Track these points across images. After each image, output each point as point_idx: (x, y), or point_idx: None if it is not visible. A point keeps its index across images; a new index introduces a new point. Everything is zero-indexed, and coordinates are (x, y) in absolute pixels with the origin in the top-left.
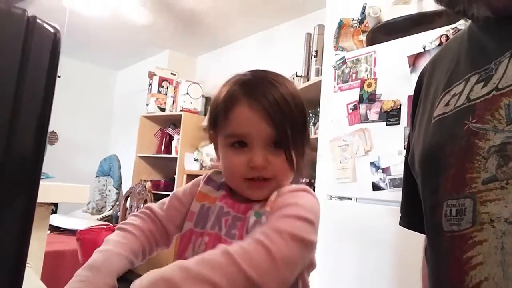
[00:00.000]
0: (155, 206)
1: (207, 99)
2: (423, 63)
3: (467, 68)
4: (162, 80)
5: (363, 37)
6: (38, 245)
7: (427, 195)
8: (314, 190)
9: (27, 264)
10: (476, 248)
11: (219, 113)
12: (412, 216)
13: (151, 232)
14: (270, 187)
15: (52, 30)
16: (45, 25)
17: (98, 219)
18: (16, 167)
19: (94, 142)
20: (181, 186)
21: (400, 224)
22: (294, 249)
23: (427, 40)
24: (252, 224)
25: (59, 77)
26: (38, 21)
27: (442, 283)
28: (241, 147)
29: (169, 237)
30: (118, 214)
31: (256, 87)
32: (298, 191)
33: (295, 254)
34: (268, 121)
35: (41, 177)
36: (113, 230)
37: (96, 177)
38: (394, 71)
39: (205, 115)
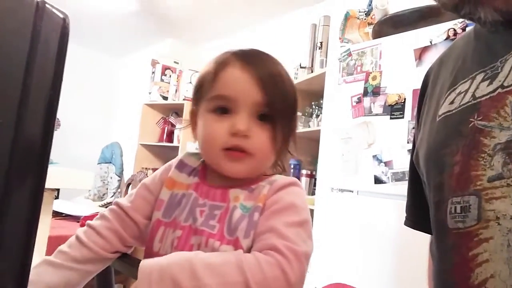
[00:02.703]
0: (122, 199)
1: None
2: (429, 57)
3: (473, 67)
4: (165, 68)
5: (369, 29)
6: (42, 229)
7: (431, 192)
8: (315, 182)
9: None
10: (482, 245)
11: (205, 79)
12: (417, 216)
13: (114, 230)
14: (249, 163)
15: (61, 15)
16: (54, 10)
17: (99, 206)
18: (25, 152)
19: (96, 129)
20: None
21: (405, 224)
22: (305, 268)
23: (434, 34)
24: (238, 218)
25: None
26: (48, 6)
27: (448, 280)
28: (223, 114)
29: (139, 229)
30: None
31: (250, 54)
32: (290, 185)
33: (305, 272)
34: (259, 87)
35: None
36: None
37: (98, 164)
38: (400, 64)
39: None
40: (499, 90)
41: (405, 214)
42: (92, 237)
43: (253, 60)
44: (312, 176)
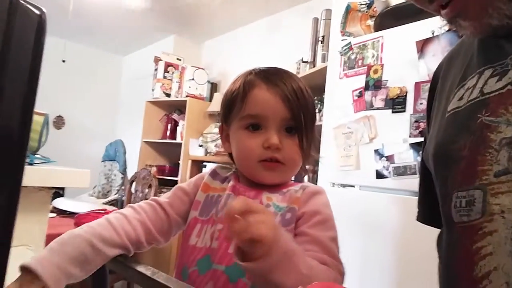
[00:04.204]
0: (160, 197)
1: (213, 85)
2: (431, 49)
3: (480, 62)
4: (167, 65)
5: (371, 22)
6: (40, 228)
7: (438, 187)
8: (317, 177)
9: (27, 247)
10: (486, 238)
11: (234, 99)
12: (428, 211)
13: (143, 223)
14: (283, 170)
15: (37, 12)
16: (29, 6)
17: (103, 203)
18: (0, 150)
19: (100, 127)
20: (185, 171)
21: (417, 219)
22: None
23: (437, 25)
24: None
25: (63, 61)
26: (22, 2)
27: (451, 274)
28: (255, 130)
29: (170, 224)
30: (123, 198)
31: (273, 74)
32: (322, 193)
33: None
34: (285, 104)
35: (42, 161)
36: None
37: (102, 161)
38: (402, 57)
39: (210, 100)
40: (509, 87)
41: (409, 209)
42: (121, 222)
43: (276, 80)
44: (314, 172)
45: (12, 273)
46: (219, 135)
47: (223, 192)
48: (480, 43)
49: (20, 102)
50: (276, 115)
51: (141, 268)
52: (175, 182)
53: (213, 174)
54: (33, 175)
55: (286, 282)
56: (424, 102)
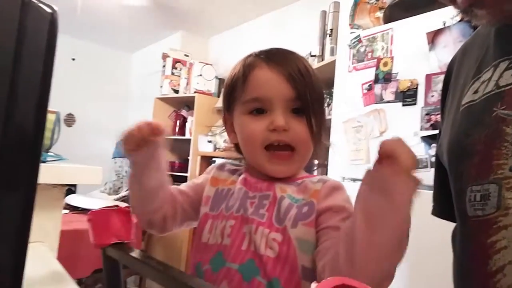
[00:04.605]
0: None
1: (221, 81)
2: (443, 40)
3: (496, 54)
4: (175, 61)
5: (380, 14)
6: (53, 224)
7: (453, 181)
8: (327, 171)
9: (41, 243)
10: (501, 232)
11: (235, 84)
12: (444, 206)
13: (178, 202)
14: (293, 161)
15: (49, 10)
16: (41, 5)
17: (114, 200)
18: (15, 148)
19: (110, 124)
20: (195, 167)
21: (432, 213)
22: None
23: (448, 15)
24: (287, 206)
25: (73, 60)
26: (34, 1)
27: (465, 267)
28: (260, 114)
29: (183, 213)
30: None
31: (275, 53)
32: (342, 189)
33: None
34: (289, 83)
35: (55, 159)
36: (123, 211)
37: (112, 158)
38: (412, 49)
39: (218, 96)
40: None
41: (421, 203)
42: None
43: (278, 59)
44: (324, 166)
45: (28, 269)
46: (223, 127)
47: (233, 185)
48: (496, 34)
49: (35, 100)
50: (280, 96)
51: (154, 263)
52: (185, 178)
53: (220, 167)
54: (46, 173)
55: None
56: (436, 94)
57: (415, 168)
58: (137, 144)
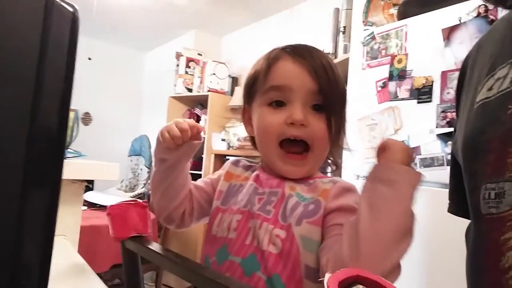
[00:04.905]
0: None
1: (234, 79)
2: (458, 36)
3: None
4: (189, 60)
5: (394, 10)
6: (73, 219)
7: (467, 179)
8: (341, 169)
9: (63, 236)
10: None
11: (258, 75)
12: (460, 203)
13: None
14: (307, 162)
15: (71, 9)
16: (64, 4)
17: (130, 197)
18: (41, 146)
19: (125, 123)
20: (209, 165)
21: (448, 210)
22: None
23: (464, 11)
24: (293, 204)
25: (89, 59)
26: (57, 0)
27: (478, 264)
28: (279, 107)
29: (199, 209)
30: (149, 192)
31: (299, 48)
32: (354, 191)
33: None
34: (312, 76)
35: (74, 155)
36: (140, 206)
37: (128, 156)
38: (427, 45)
39: (231, 95)
40: None
41: (437, 200)
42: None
43: (303, 53)
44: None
45: (52, 262)
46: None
47: (245, 181)
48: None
49: (59, 99)
50: (302, 87)
51: (171, 255)
52: (199, 176)
53: (235, 162)
54: (67, 169)
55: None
56: (451, 91)
57: (410, 159)
58: (177, 144)
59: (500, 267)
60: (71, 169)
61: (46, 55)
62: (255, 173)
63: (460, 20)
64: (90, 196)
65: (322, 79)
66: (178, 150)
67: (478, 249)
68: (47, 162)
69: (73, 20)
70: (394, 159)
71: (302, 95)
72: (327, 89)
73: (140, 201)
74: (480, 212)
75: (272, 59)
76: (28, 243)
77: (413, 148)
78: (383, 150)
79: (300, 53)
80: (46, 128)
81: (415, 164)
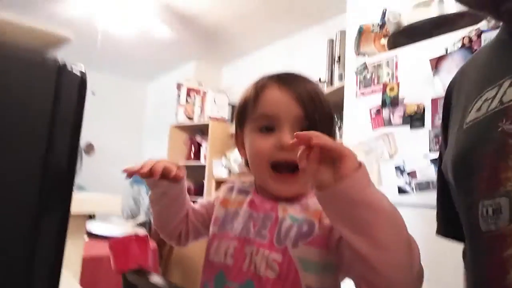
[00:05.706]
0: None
1: (233, 107)
2: (445, 65)
3: (499, 74)
4: (189, 90)
5: (385, 41)
6: (76, 251)
7: (461, 197)
8: None
9: (65, 269)
10: None
11: (247, 102)
12: (448, 224)
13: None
14: (297, 181)
15: (79, 74)
16: (73, 69)
17: (135, 225)
18: (53, 185)
19: (127, 152)
20: (210, 191)
21: (437, 233)
22: None
23: (449, 42)
24: (287, 227)
25: (93, 94)
26: (68, 66)
27: (482, 283)
28: (268, 132)
29: (195, 231)
30: (151, 220)
31: (285, 76)
32: None
33: None
34: (298, 103)
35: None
36: (141, 239)
37: (130, 185)
38: (417, 74)
39: (232, 122)
40: None
41: (433, 224)
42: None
43: (288, 80)
44: None
45: None
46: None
47: (240, 206)
48: (498, 54)
49: (68, 150)
50: (289, 114)
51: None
52: None
53: (231, 188)
54: None
55: (383, 199)
56: None
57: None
58: (151, 181)
59: (506, 285)
60: (73, 203)
61: (57, 114)
62: (249, 197)
63: (446, 51)
64: (92, 226)
65: (307, 105)
66: (157, 186)
67: (481, 266)
68: (59, 194)
69: (81, 82)
70: (355, 168)
71: (290, 121)
72: (313, 115)
73: (141, 233)
74: (480, 229)
75: (260, 87)
76: (39, 276)
77: (409, 172)
78: (340, 160)
79: (286, 81)
80: (58, 173)
81: (412, 188)
